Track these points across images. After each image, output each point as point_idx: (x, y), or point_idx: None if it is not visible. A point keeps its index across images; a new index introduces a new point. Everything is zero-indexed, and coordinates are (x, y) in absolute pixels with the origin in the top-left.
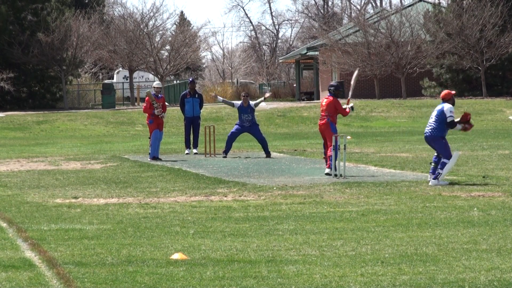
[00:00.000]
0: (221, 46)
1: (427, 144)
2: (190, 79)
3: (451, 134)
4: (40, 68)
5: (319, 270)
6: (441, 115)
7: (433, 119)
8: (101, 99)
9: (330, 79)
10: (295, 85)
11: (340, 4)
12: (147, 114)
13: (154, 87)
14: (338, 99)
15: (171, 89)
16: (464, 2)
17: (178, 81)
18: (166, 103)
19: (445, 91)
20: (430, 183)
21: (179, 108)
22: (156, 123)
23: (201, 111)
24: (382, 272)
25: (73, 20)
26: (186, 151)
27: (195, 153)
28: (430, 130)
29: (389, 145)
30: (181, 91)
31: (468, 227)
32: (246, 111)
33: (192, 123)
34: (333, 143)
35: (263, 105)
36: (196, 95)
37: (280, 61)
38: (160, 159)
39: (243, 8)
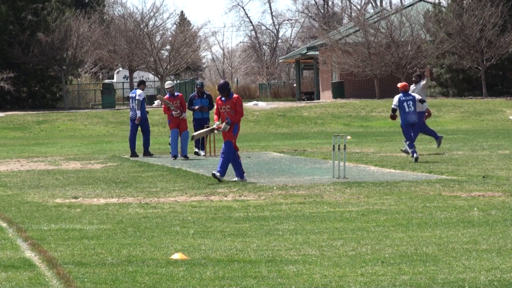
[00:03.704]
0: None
1: (409, 127)
2: (198, 85)
3: (451, 134)
4: (40, 68)
5: (319, 270)
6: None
7: (413, 108)
8: (101, 99)
9: (330, 79)
10: (295, 85)
11: (340, 4)
12: (167, 114)
13: (166, 88)
14: None
15: None
16: (464, 2)
17: (178, 81)
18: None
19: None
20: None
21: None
22: (174, 122)
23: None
24: (382, 272)
25: (73, 20)
26: (201, 152)
27: (195, 153)
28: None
29: (389, 145)
30: (181, 90)
31: (468, 227)
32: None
33: (201, 124)
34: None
35: (263, 104)
36: (205, 95)
37: (280, 61)
38: (187, 157)
39: (243, 8)
